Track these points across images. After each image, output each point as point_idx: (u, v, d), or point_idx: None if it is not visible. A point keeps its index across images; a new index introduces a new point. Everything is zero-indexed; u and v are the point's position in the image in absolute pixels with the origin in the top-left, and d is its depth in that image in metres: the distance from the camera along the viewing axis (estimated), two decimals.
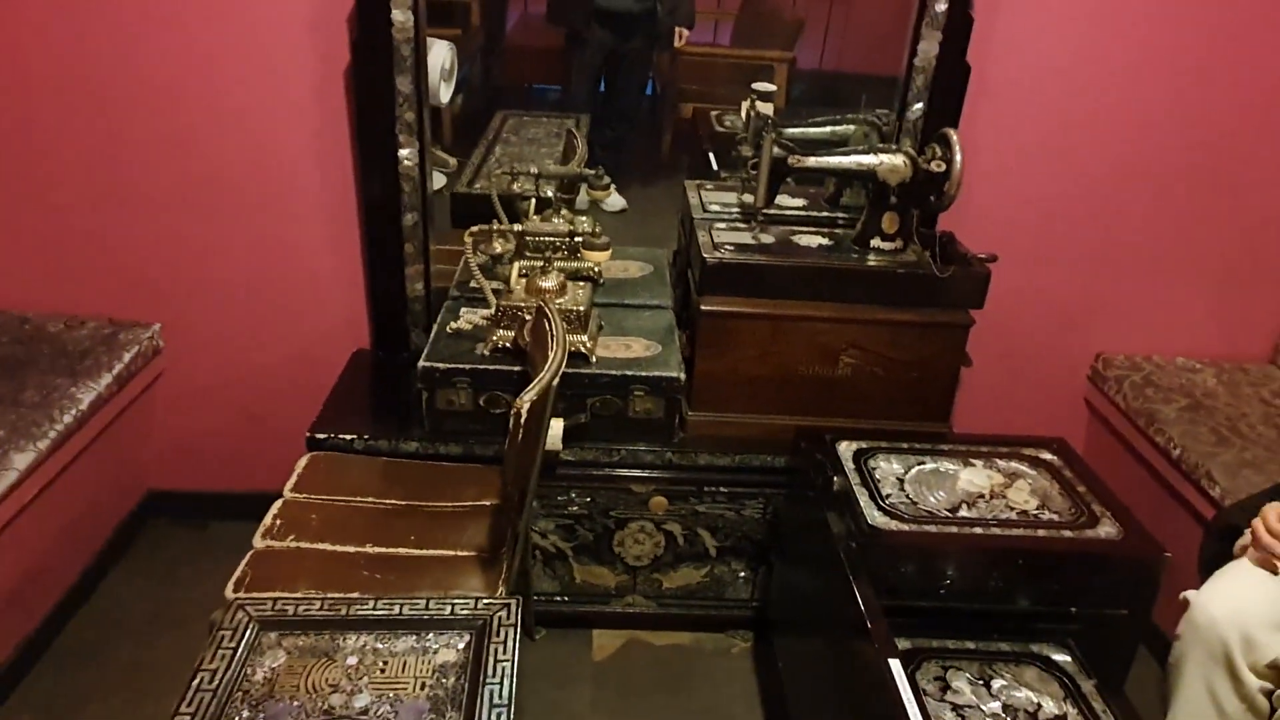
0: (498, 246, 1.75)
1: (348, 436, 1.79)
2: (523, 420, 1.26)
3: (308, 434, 1.79)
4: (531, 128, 3.08)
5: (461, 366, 1.75)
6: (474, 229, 1.76)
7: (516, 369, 1.75)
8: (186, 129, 1.94)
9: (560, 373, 1.42)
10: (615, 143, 2.77)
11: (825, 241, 1.88)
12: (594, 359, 1.78)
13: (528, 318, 1.74)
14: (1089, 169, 2.08)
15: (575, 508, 1.87)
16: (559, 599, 1.97)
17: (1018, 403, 2.32)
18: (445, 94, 2.14)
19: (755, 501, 1.88)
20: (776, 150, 1.76)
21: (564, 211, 2.08)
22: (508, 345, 1.78)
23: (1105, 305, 2.23)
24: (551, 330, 1.53)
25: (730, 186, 2.14)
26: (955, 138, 1.73)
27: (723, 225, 1.92)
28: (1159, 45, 1.96)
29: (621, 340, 1.87)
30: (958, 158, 1.72)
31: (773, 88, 2.63)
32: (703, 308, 1.77)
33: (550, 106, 3.15)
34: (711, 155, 2.61)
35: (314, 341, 2.15)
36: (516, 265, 1.80)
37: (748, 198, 2.05)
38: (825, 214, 2.03)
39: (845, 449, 1.64)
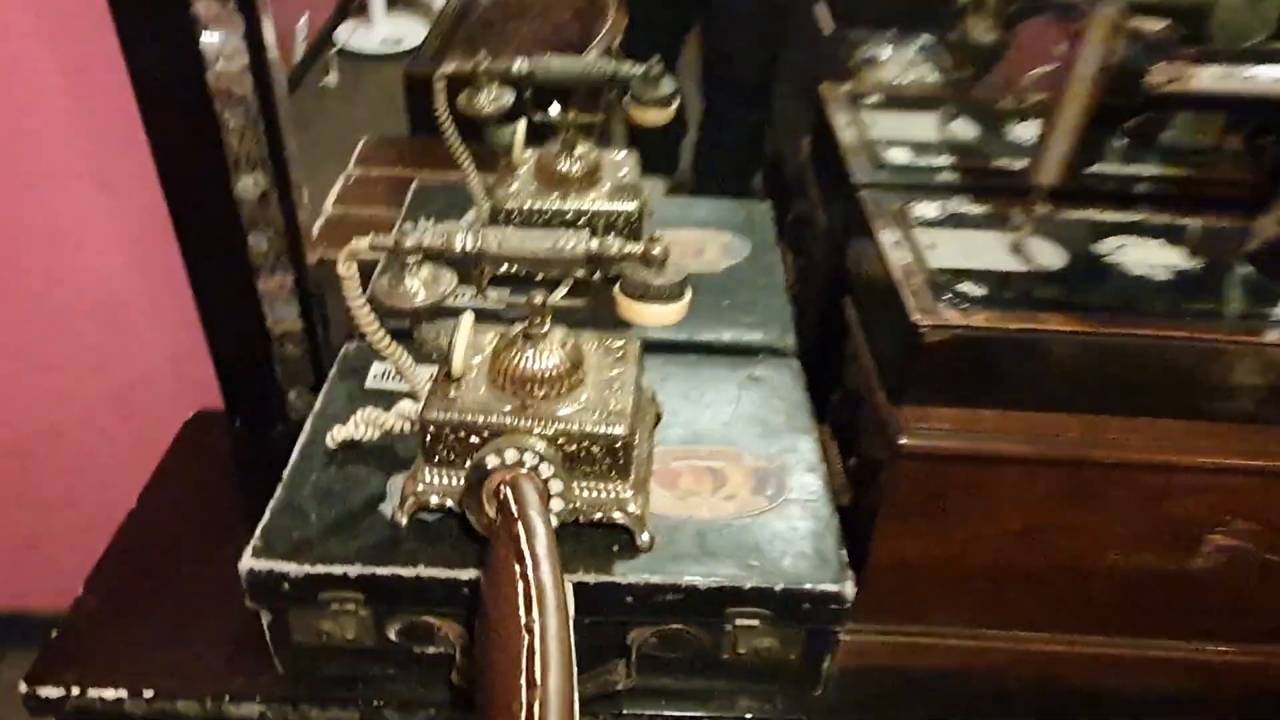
0: (416, 287, 0.72)
1: (110, 695, 0.83)
2: None
3: (24, 686, 0.83)
4: None
5: (335, 571, 0.76)
6: (355, 244, 0.72)
7: (464, 576, 0.76)
8: None
9: None
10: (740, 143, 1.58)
11: (1183, 262, 0.82)
12: (644, 539, 0.79)
13: (492, 464, 0.73)
14: None
15: None
16: None
17: None
18: None
19: None
20: (1125, 48, 0.68)
21: (579, 151, 1.04)
22: (449, 505, 0.78)
23: None
24: (530, 591, 0.53)
25: (917, 100, 1.06)
26: None
27: (932, 212, 0.86)
28: None
29: (697, 462, 0.87)
30: None
31: None
32: (903, 441, 0.74)
33: None
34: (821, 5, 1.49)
35: (117, 398, 1.17)
36: (466, 320, 0.77)
37: (960, 131, 0.97)
38: (1159, 171, 0.95)
39: None
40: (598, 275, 0.73)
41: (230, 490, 1.08)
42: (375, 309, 0.75)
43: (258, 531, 0.78)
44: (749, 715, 0.84)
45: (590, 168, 1.06)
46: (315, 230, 1.53)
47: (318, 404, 0.91)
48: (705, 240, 1.20)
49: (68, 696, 0.82)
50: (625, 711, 0.83)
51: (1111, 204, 0.86)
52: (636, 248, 0.72)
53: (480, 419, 0.75)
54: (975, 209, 0.86)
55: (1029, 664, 0.87)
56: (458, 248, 0.72)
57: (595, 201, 1.04)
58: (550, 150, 1.05)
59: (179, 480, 1.07)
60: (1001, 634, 0.87)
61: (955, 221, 0.84)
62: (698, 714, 0.84)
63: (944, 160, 0.94)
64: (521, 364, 0.77)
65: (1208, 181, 0.93)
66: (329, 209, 1.55)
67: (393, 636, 0.79)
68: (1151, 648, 0.87)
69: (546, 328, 0.77)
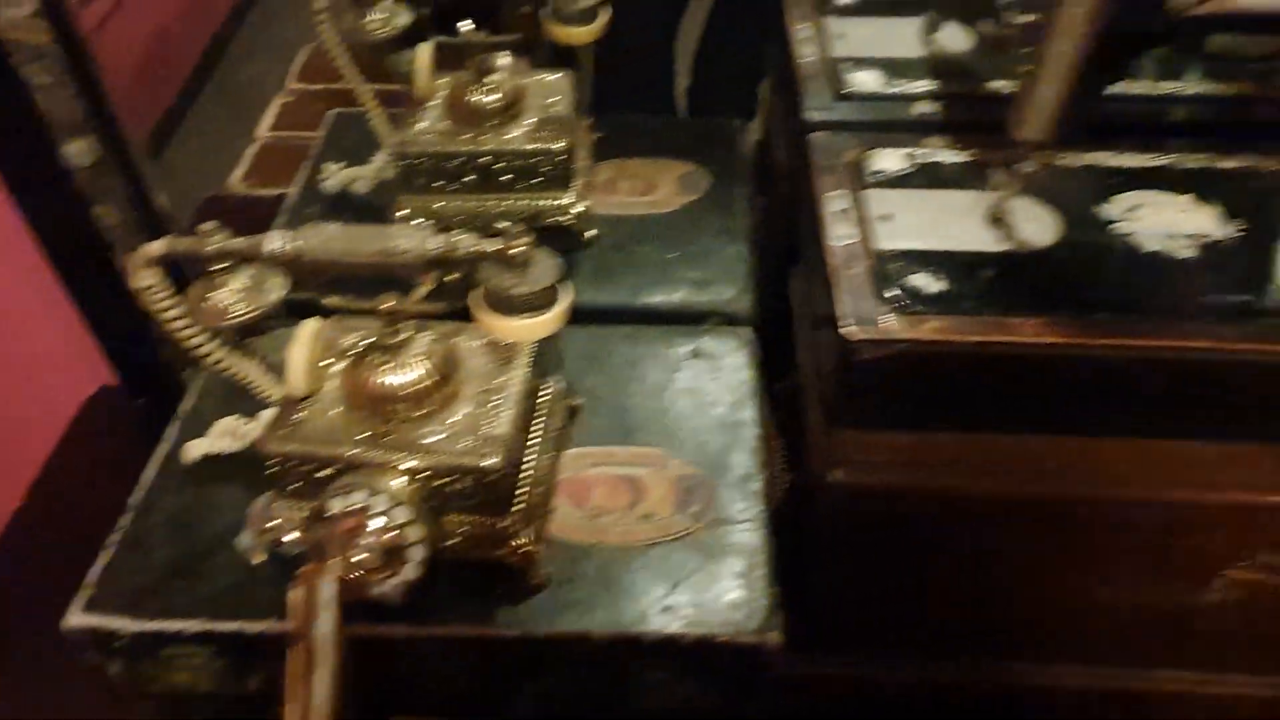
0: (230, 299, 0.57)
1: None
2: None
3: None
4: None
5: (169, 628, 0.65)
6: (149, 248, 0.58)
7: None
8: None
9: None
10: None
11: (1215, 229, 0.63)
12: (535, 580, 0.66)
13: (335, 509, 0.61)
14: None
15: None
16: None
17: None
18: None
19: None
20: None
21: (495, 78, 0.88)
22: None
23: None
24: None
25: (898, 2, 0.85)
26: None
27: (895, 164, 0.68)
28: None
29: (614, 469, 0.74)
30: None
31: None
32: (833, 478, 0.60)
33: None
34: None
35: (16, 373, 1.07)
36: (306, 331, 0.64)
37: (949, 42, 0.77)
38: (1203, 89, 0.74)
39: None
40: (452, 278, 0.58)
41: (129, 478, 0.98)
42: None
43: (95, 575, 0.67)
44: None
45: (510, 97, 0.89)
46: (246, 162, 1.38)
47: (185, 402, 0.79)
48: (657, 172, 1.02)
49: None
50: None
51: (1134, 141, 0.67)
52: (488, 246, 0.57)
53: (327, 451, 0.63)
54: (955, 157, 0.67)
55: (993, 694, 0.75)
56: (266, 252, 0.58)
57: (513, 140, 0.88)
58: (463, 78, 0.88)
59: (74, 467, 0.97)
60: (956, 665, 0.74)
61: (925, 177, 0.66)
62: None
63: (924, 85, 0.74)
64: (377, 380, 0.63)
65: (1264, 100, 0.72)
66: (264, 134, 1.40)
67: (254, 687, 0.70)
68: (1146, 679, 0.74)
69: (404, 335, 0.63)
